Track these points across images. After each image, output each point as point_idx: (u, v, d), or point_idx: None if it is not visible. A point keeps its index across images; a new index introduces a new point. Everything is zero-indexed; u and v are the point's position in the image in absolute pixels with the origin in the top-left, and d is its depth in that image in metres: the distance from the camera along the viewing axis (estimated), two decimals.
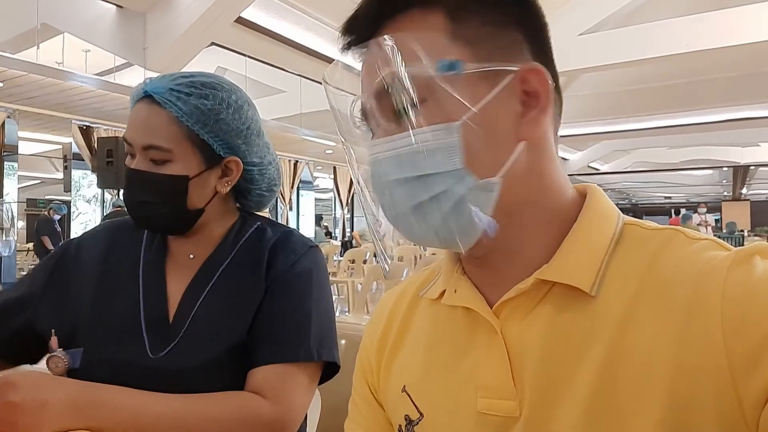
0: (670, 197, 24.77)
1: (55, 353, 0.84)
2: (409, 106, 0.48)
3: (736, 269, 0.43)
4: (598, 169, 16.05)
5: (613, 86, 8.39)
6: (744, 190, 20.56)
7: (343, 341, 1.05)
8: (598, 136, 11.40)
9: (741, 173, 17.63)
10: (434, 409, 0.54)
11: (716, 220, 16.79)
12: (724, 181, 20.20)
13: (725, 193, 22.30)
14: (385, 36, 0.49)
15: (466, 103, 0.47)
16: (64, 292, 0.91)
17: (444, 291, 0.57)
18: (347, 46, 0.53)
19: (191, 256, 0.92)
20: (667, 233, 0.49)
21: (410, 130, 0.47)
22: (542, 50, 0.52)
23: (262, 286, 0.89)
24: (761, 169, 16.89)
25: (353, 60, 0.54)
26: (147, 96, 0.86)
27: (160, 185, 0.85)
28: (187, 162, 0.86)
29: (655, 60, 6.33)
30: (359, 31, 0.52)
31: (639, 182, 20.17)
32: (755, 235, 13.48)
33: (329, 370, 0.91)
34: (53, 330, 0.85)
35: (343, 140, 0.55)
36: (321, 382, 0.91)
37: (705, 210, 11.81)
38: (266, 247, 0.92)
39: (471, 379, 0.52)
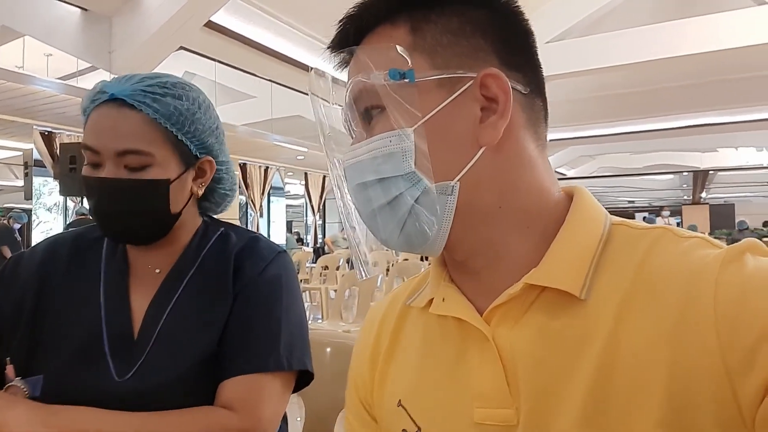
0: (633, 201, 25.42)
1: (12, 383, 0.77)
2: (367, 115, 0.52)
3: (727, 268, 0.43)
4: (564, 174, 16.37)
5: (578, 93, 8.57)
6: (703, 194, 21.26)
7: (328, 349, 1.04)
8: (564, 142, 11.62)
9: (701, 178, 18.25)
10: (431, 421, 0.53)
11: (677, 223, 17.33)
12: (685, 186, 20.86)
13: (685, 197, 23.03)
14: (347, 49, 0.54)
15: (419, 110, 0.49)
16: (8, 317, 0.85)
17: (432, 299, 0.57)
18: (329, 52, 0.56)
19: (157, 271, 0.87)
20: (656, 232, 0.49)
21: (370, 137, 0.51)
22: (515, 56, 0.52)
23: (230, 295, 0.85)
24: (719, 173, 17.52)
25: (336, 66, 0.57)
26: (112, 100, 0.80)
27: (141, 192, 0.80)
28: (167, 165, 0.82)
29: (618, 68, 6.50)
30: (342, 42, 0.55)
31: (604, 187, 20.63)
32: (715, 238, 13.84)
33: (304, 377, 0.89)
34: (8, 358, 0.80)
35: (324, 147, 0.57)
36: (297, 390, 0.89)
37: (668, 213, 12.16)
38: (232, 254, 0.89)
39: (466, 389, 0.51)
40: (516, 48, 0.53)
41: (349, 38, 0.54)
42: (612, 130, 10.57)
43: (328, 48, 0.56)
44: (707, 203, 21.81)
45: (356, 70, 0.52)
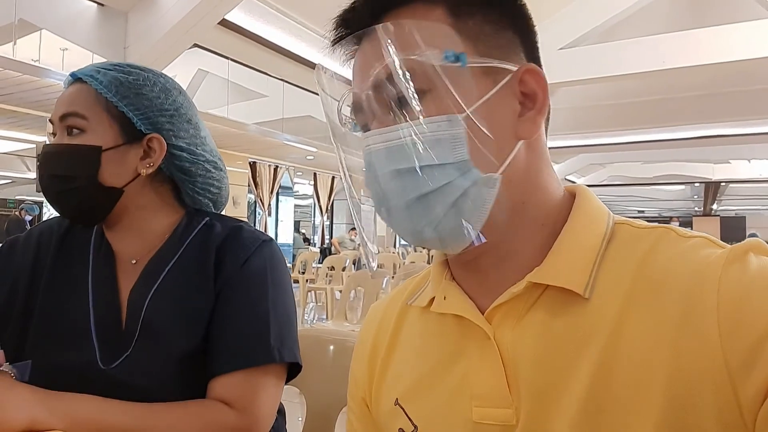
0: (643, 211, 25.25)
1: (1, 368, 0.78)
2: (412, 96, 0.47)
3: (730, 267, 0.43)
4: (574, 182, 16.30)
5: (590, 101, 8.54)
6: (714, 206, 21.08)
7: (330, 347, 1.04)
8: (575, 150, 11.57)
9: (712, 189, 18.10)
10: (428, 420, 0.53)
11: None
12: (696, 197, 20.69)
13: (696, 209, 22.84)
14: (388, 23, 0.48)
15: (470, 96, 0.47)
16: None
17: (433, 298, 0.56)
18: (342, 36, 0.52)
19: (133, 261, 0.87)
20: (658, 231, 0.49)
21: (412, 121, 0.47)
22: (534, 53, 0.53)
23: (212, 288, 0.84)
24: (731, 185, 17.36)
25: (340, 57, 0.54)
26: (75, 81, 0.87)
27: (71, 156, 0.83)
28: (102, 133, 0.84)
29: (631, 76, 6.47)
30: (357, 21, 0.51)
31: (614, 195, 20.51)
32: None
33: (293, 369, 0.88)
34: None
35: (333, 138, 0.55)
36: (286, 382, 0.89)
37: (677, 224, 12.05)
38: (214, 244, 0.87)
39: (464, 388, 0.51)
40: (534, 45, 0.54)
41: (369, 8, 0.51)
42: (623, 138, 10.50)
43: (342, 20, 0.52)
44: (718, 215, 21.62)
45: (397, 46, 0.47)
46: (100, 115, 0.83)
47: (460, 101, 0.47)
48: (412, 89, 0.47)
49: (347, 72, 0.54)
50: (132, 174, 0.86)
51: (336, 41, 0.53)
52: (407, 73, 0.47)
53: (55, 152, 0.83)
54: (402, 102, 0.47)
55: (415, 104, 0.47)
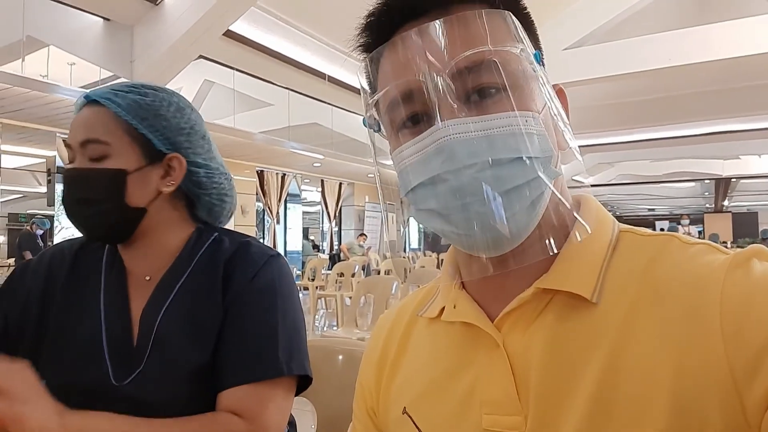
0: (653, 209, 25.10)
1: None
2: (507, 86, 0.46)
3: (733, 273, 0.43)
4: (582, 182, 16.23)
5: (596, 100, 8.51)
6: (726, 202, 20.92)
7: (340, 357, 1.04)
8: (583, 149, 11.51)
9: (723, 185, 17.96)
10: (437, 429, 0.53)
11: (699, 232, 17.04)
12: (707, 194, 20.55)
13: (707, 205, 22.67)
14: (483, 11, 0.47)
15: (543, 95, 0.49)
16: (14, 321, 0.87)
17: (443, 308, 0.56)
18: (410, 14, 0.50)
19: (147, 278, 0.88)
20: (662, 239, 0.49)
21: (507, 112, 0.45)
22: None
23: (220, 302, 0.85)
24: (742, 181, 17.22)
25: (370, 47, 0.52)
26: (88, 102, 0.86)
27: (97, 181, 0.83)
28: (126, 156, 0.84)
29: (637, 74, 6.45)
30: (422, 4, 0.49)
31: (623, 194, 20.42)
32: (737, 247, 13.68)
33: (304, 381, 0.88)
34: None
35: (373, 131, 0.53)
36: (296, 394, 0.89)
37: (688, 222, 11.98)
38: (221, 260, 0.88)
39: (473, 395, 0.50)
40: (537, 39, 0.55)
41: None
42: (631, 137, 10.47)
43: (386, 6, 0.50)
44: (730, 211, 21.44)
45: (477, 37, 0.46)
46: (122, 138, 0.84)
47: (544, 97, 0.48)
48: (510, 80, 0.46)
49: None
50: (154, 193, 0.88)
51: (407, 17, 0.50)
52: (505, 65, 0.47)
53: (80, 177, 0.84)
54: (494, 92, 0.46)
55: (510, 95, 0.46)
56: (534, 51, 0.50)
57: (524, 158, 0.45)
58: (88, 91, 0.88)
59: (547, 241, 0.48)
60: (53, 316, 0.87)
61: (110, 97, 0.85)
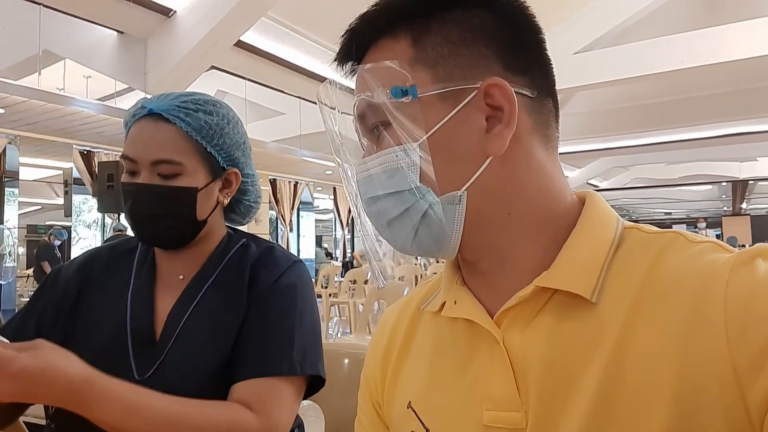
0: (670, 213, 24.77)
1: None
2: (377, 131, 0.52)
3: (738, 272, 0.43)
4: (597, 186, 16.10)
5: (609, 103, 8.46)
6: (744, 205, 20.58)
7: (346, 360, 1.05)
8: (596, 153, 11.46)
9: (740, 188, 17.67)
10: (440, 423, 0.53)
11: (717, 235, 16.78)
12: (724, 196, 20.23)
13: (725, 208, 22.32)
14: (349, 69, 0.55)
15: (423, 125, 0.50)
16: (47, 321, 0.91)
17: (445, 303, 0.57)
18: (356, 52, 0.56)
19: (181, 277, 0.93)
20: (668, 236, 0.49)
21: (375, 153, 0.52)
22: (520, 58, 0.52)
23: (244, 303, 0.89)
24: (760, 183, 16.94)
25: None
26: (150, 114, 0.88)
27: (171, 198, 0.88)
28: (196, 174, 0.89)
29: (650, 77, 6.40)
30: (345, 59, 0.56)
31: (638, 198, 20.19)
32: None
33: (316, 383, 0.91)
34: None
35: (339, 160, 0.58)
36: (308, 396, 0.91)
37: (704, 225, 11.81)
38: (248, 263, 0.94)
39: (475, 391, 0.51)
40: (521, 49, 0.52)
41: (351, 52, 0.55)
42: (645, 140, 10.37)
43: (334, 61, 0.57)
44: (748, 214, 21.09)
45: (361, 87, 0.53)
46: (193, 158, 0.89)
47: (413, 130, 0.50)
48: (375, 125, 0.52)
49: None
50: (214, 205, 0.94)
51: (338, 66, 0.57)
52: (369, 111, 0.53)
53: (153, 193, 0.88)
54: (371, 135, 0.54)
55: (380, 138, 0.52)
56: (408, 86, 0.50)
57: (387, 194, 0.51)
58: (146, 100, 0.90)
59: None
60: (84, 310, 0.91)
61: (181, 117, 0.88)
